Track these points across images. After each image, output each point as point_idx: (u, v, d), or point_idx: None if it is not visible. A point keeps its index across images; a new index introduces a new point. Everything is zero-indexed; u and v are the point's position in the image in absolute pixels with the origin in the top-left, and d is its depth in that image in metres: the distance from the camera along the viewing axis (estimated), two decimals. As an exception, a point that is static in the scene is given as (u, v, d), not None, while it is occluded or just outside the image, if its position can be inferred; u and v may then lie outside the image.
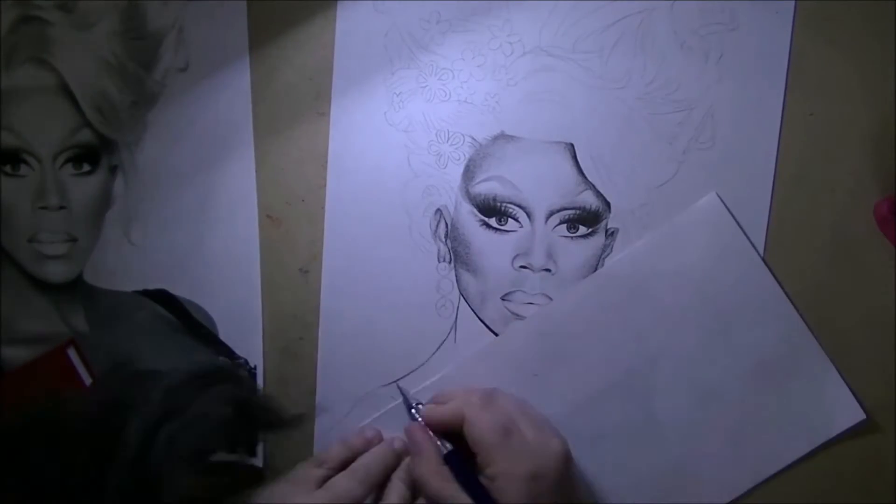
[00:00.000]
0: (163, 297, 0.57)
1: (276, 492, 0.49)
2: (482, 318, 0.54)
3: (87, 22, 0.56)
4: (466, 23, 0.53)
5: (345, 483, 0.49)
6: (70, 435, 0.42)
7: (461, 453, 0.49)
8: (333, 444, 0.53)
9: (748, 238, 0.51)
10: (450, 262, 0.54)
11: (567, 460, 0.48)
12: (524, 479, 0.46)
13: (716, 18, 0.50)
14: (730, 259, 0.51)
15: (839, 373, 0.50)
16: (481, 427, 0.48)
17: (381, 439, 0.53)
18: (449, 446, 0.49)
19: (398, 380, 0.54)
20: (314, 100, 0.55)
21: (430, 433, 0.50)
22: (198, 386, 0.46)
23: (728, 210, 0.51)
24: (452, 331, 0.54)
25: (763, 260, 0.51)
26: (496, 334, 0.54)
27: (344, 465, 0.51)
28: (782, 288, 0.51)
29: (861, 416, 0.50)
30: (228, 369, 0.50)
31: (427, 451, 0.49)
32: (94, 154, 0.57)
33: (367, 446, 0.52)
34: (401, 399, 0.53)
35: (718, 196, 0.51)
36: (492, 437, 0.47)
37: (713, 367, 0.51)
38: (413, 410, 0.52)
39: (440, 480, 0.48)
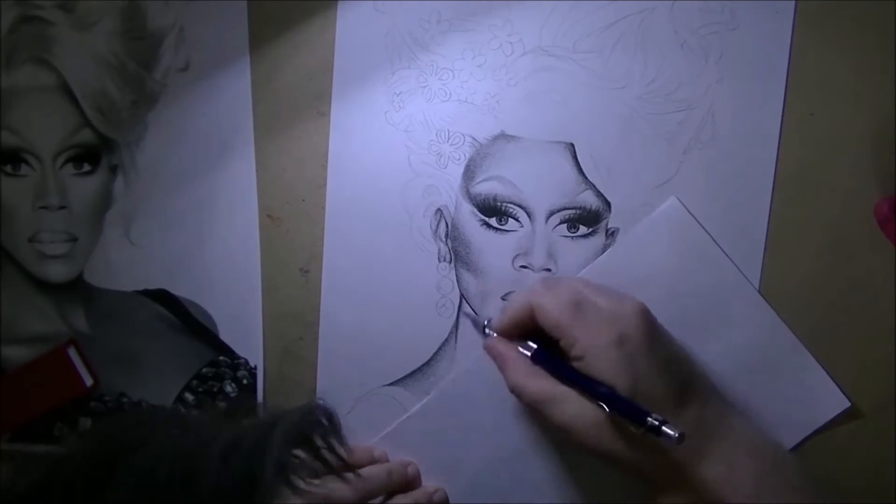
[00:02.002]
0: (163, 297, 0.57)
1: None
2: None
3: (88, 22, 0.56)
4: (467, 22, 0.53)
5: (339, 484, 0.48)
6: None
7: (547, 349, 0.47)
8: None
9: (712, 238, 0.51)
10: (450, 262, 0.54)
11: (649, 316, 0.46)
12: (611, 345, 0.43)
13: (716, 18, 0.50)
14: (696, 261, 0.51)
15: (818, 361, 0.50)
16: (551, 309, 0.45)
17: (385, 459, 0.53)
18: (534, 346, 0.48)
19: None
20: (314, 100, 0.55)
21: (508, 342, 0.49)
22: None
23: (689, 213, 0.51)
24: (453, 331, 0.54)
25: (727, 256, 0.51)
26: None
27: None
28: (750, 283, 0.51)
29: (846, 403, 0.50)
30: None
31: (512, 359, 0.48)
32: (94, 154, 0.57)
33: (369, 460, 0.52)
34: (404, 416, 0.53)
35: (679, 200, 0.51)
36: (564, 316, 0.45)
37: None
38: (486, 329, 0.51)
39: (535, 381, 0.46)
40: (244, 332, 0.56)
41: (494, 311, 0.53)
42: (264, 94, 0.56)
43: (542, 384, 0.46)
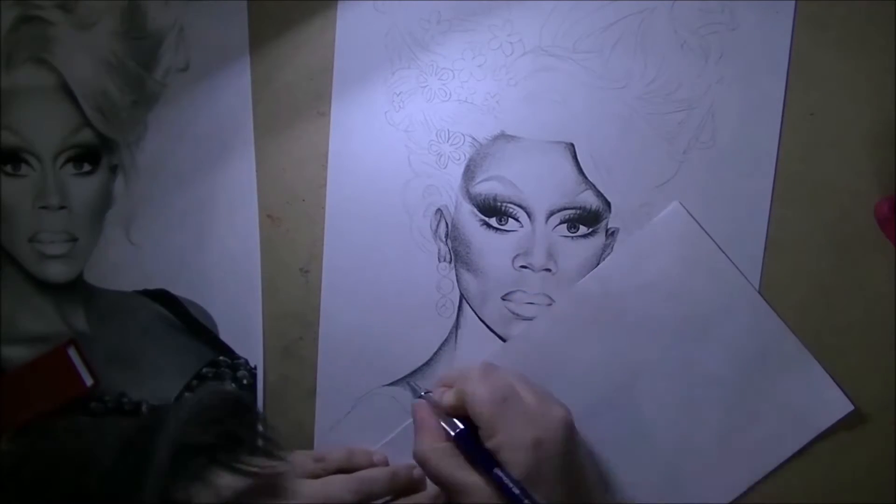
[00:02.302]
0: (163, 297, 0.57)
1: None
2: (483, 317, 0.54)
3: (88, 22, 0.56)
4: (467, 22, 0.53)
5: (340, 485, 0.48)
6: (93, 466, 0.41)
7: (471, 432, 0.47)
8: (337, 446, 0.53)
9: (715, 242, 0.51)
10: (450, 262, 0.54)
11: (570, 428, 0.47)
12: (527, 446, 0.45)
13: (716, 18, 0.50)
14: (699, 265, 0.51)
15: (821, 365, 0.50)
16: (480, 398, 0.47)
17: (385, 463, 0.53)
18: (460, 426, 0.48)
19: (404, 378, 0.54)
20: (314, 100, 0.55)
21: (433, 412, 0.49)
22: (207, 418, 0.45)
23: (692, 217, 0.51)
24: (453, 331, 0.54)
25: (731, 261, 0.51)
26: (497, 334, 0.54)
27: (339, 470, 0.51)
28: (753, 287, 0.51)
29: (849, 407, 0.50)
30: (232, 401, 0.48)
31: (429, 429, 0.49)
32: (94, 154, 0.57)
33: (368, 464, 0.52)
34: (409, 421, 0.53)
35: (681, 204, 0.51)
36: (490, 406, 0.46)
37: (695, 373, 0.51)
38: (422, 394, 0.52)
39: (442, 458, 0.47)
40: (244, 332, 0.56)
41: (494, 312, 0.53)
42: (264, 94, 0.56)
43: (448, 462, 0.47)
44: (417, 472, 0.52)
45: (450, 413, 0.49)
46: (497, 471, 0.44)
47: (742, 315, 0.51)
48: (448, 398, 0.49)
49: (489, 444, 0.46)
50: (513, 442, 0.45)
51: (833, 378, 0.50)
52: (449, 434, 0.48)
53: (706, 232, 0.51)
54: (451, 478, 0.46)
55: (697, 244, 0.51)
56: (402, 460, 0.53)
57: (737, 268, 0.51)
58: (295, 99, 0.55)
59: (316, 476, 0.49)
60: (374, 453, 0.54)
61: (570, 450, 0.47)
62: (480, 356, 0.53)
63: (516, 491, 0.43)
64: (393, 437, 0.54)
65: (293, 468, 0.48)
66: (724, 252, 0.51)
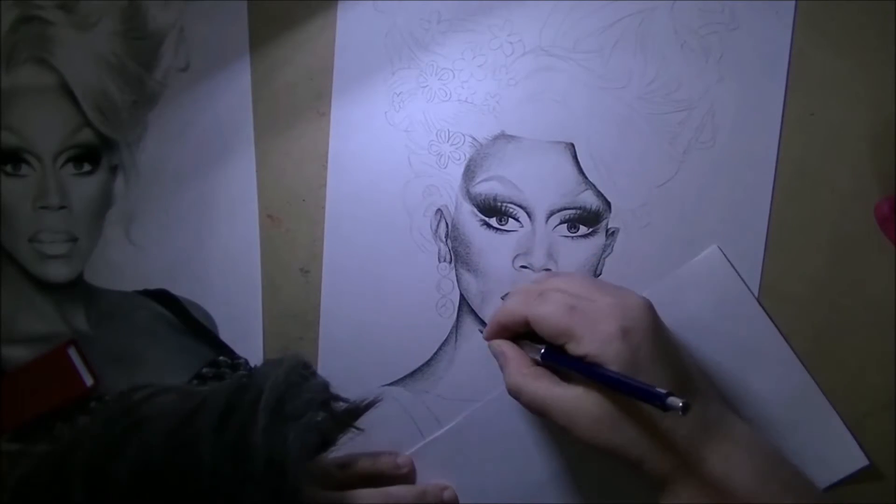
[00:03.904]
0: (163, 297, 0.57)
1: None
2: (483, 317, 0.54)
3: (88, 22, 0.56)
4: (467, 23, 0.53)
5: (365, 502, 0.48)
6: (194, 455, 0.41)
7: (555, 348, 0.46)
8: (361, 453, 0.53)
9: (749, 289, 0.50)
10: (450, 262, 0.54)
11: (653, 312, 0.46)
12: (615, 337, 0.43)
13: (716, 18, 0.50)
14: (732, 310, 0.50)
15: (841, 418, 0.50)
16: (547, 318, 0.45)
17: (410, 469, 0.53)
18: (541, 347, 0.47)
19: (406, 377, 0.54)
20: (314, 100, 0.55)
21: (513, 343, 0.49)
22: (296, 387, 0.45)
23: (729, 262, 0.51)
24: (453, 331, 0.54)
25: (765, 311, 0.50)
26: (497, 334, 0.54)
27: (364, 479, 0.51)
28: (785, 339, 0.50)
29: (864, 461, 0.50)
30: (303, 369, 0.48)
31: (512, 358, 0.48)
32: (94, 154, 0.57)
33: (395, 471, 0.52)
34: (429, 438, 0.53)
35: (720, 249, 0.51)
36: (562, 320, 0.45)
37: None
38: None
39: (534, 381, 0.46)
40: (244, 332, 0.57)
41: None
42: (264, 94, 0.56)
43: (541, 384, 0.46)
44: (449, 494, 0.52)
45: (510, 338, 0.49)
46: (598, 369, 0.43)
47: (770, 364, 0.50)
48: (508, 321, 0.48)
49: (577, 352, 0.44)
50: (599, 339, 0.43)
51: (853, 433, 0.50)
52: (535, 360, 0.47)
53: (741, 278, 0.50)
54: (549, 396, 0.45)
55: (732, 289, 0.51)
56: (426, 475, 0.53)
57: (769, 317, 0.50)
58: (295, 99, 0.55)
59: (341, 485, 0.49)
60: (398, 456, 0.53)
61: (659, 335, 0.45)
62: (480, 356, 0.53)
63: (624, 380, 0.42)
64: (413, 452, 0.54)
65: (317, 478, 0.48)
66: (757, 301, 0.50)
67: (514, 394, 0.47)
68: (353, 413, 0.48)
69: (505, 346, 0.49)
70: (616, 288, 0.48)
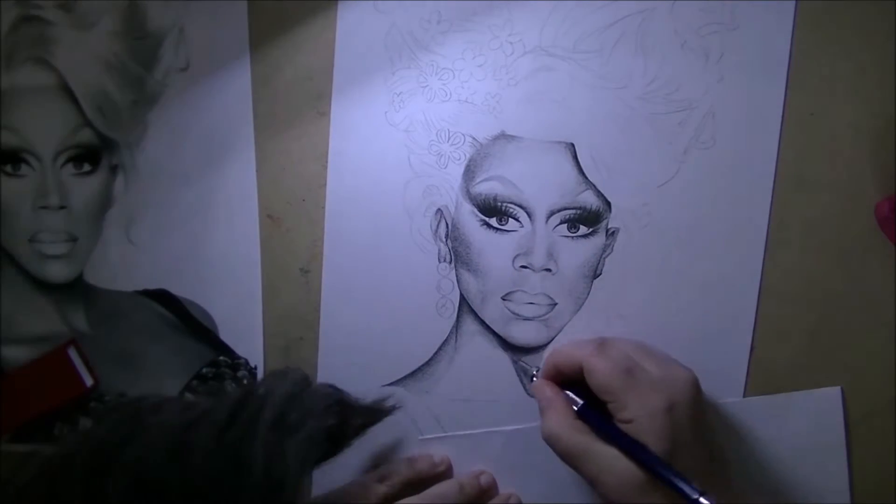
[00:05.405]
0: (163, 297, 0.57)
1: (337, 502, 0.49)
2: (483, 317, 0.54)
3: (88, 21, 0.56)
4: (467, 22, 0.53)
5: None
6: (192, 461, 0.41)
7: (593, 405, 0.47)
8: (398, 459, 0.53)
9: (846, 439, 0.50)
10: (450, 262, 0.54)
11: (697, 388, 0.47)
12: (661, 412, 0.44)
13: (716, 18, 0.50)
14: (819, 455, 0.50)
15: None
16: (604, 372, 0.46)
17: (448, 465, 0.53)
18: (580, 401, 0.48)
19: (409, 374, 0.54)
20: (314, 100, 0.55)
21: (558, 389, 0.49)
22: (296, 399, 0.45)
23: (843, 405, 0.50)
24: (453, 331, 0.54)
25: (849, 467, 0.50)
26: (497, 334, 0.54)
27: (405, 486, 0.51)
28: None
29: None
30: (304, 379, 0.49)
31: (556, 406, 0.48)
32: (94, 154, 0.57)
33: (433, 470, 0.52)
34: (467, 432, 0.53)
35: (842, 391, 0.51)
36: (617, 381, 0.45)
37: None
38: (533, 377, 0.52)
39: (573, 433, 0.46)
40: (244, 332, 0.57)
41: (495, 312, 0.53)
42: (264, 94, 0.56)
43: (582, 438, 0.46)
44: (486, 478, 0.52)
45: (559, 385, 0.49)
46: (638, 447, 0.44)
47: None
48: (564, 365, 0.49)
49: (622, 417, 0.45)
50: (646, 411, 0.44)
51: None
52: (575, 410, 0.48)
53: (846, 424, 0.50)
54: (587, 452, 0.46)
55: (831, 434, 0.50)
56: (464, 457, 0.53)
57: (850, 472, 0.50)
58: (295, 99, 0.55)
59: (385, 498, 0.49)
60: (433, 455, 0.53)
61: (700, 411, 0.46)
62: (480, 356, 0.53)
63: (662, 470, 0.43)
64: (450, 437, 0.54)
65: (361, 495, 0.48)
66: (847, 450, 0.50)
67: (552, 440, 0.47)
68: (371, 413, 0.49)
69: (551, 391, 0.49)
70: (665, 358, 0.49)
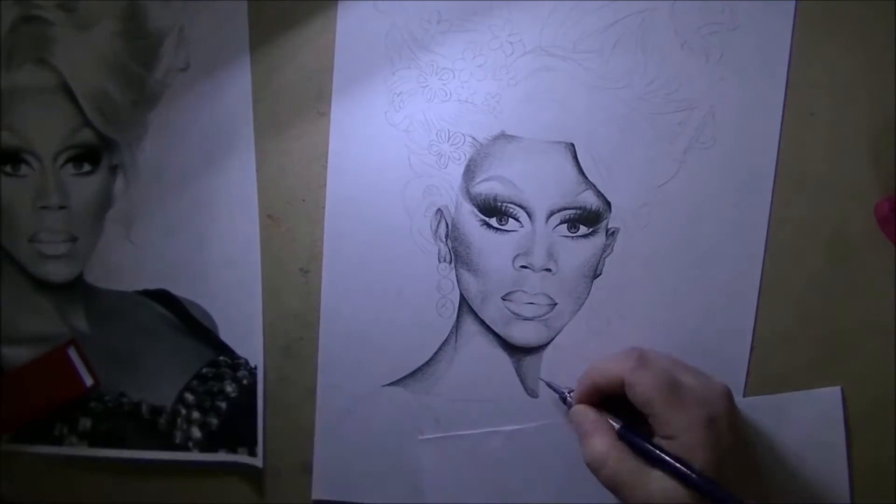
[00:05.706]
0: (163, 297, 0.57)
1: None
2: (483, 317, 0.54)
3: (88, 22, 0.56)
4: (467, 22, 0.53)
5: None
6: None
7: (633, 426, 0.46)
8: None
9: (847, 441, 0.50)
10: (450, 262, 0.54)
11: (732, 399, 0.47)
12: (703, 426, 0.44)
13: (716, 18, 0.50)
14: (819, 455, 0.51)
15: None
16: (649, 386, 0.45)
17: None
18: (618, 423, 0.47)
19: (406, 376, 0.54)
20: (314, 100, 0.55)
21: (598, 413, 0.48)
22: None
23: (843, 406, 0.51)
24: (453, 331, 0.54)
25: (849, 469, 0.50)
26: (497, 334, 0.54)
27: None
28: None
29: None
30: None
31: (601, 430, 0.47)
32: (94, 154, 0.57)
33: None
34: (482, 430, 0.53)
35: (841, 391, 0.51)
36: (660, 395, 0.45)
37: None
38: (568, 399, 0.51)
39: (621, 459, 0.46)
40: (244, 332, 0.57)
41: (495, 312, 0.53)
42: (264, 94, 0.56)
43: (628, 465, 0.45)
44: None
45: (596, 403, 0.49)
46: (684, 467, 0.43)
47: None
48: (604, 382, 0.48)
49: (665, 433, 0.45)
50: (689, 427, 0.44)
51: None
52: (617, 432, 0.47)
53: (846, 426, 0.50)
54: (633, 480, 0.45)
55: (831, 432, 0.51)
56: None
57: (850, 477, 0.50)
58: (295, 99, 0.55)
59: None
60: None
61: (736, 421, 0.47)
62: (480, 356, 0.53)
63: (706, 483, 0.43)
64: (459, 435, 0.54)
65: None
66: (848, 452, 0.50)
67: (596, 466, 0.46)
68: None
69: (592, 415, 0.49)
70: (702, 374, 0.48)
